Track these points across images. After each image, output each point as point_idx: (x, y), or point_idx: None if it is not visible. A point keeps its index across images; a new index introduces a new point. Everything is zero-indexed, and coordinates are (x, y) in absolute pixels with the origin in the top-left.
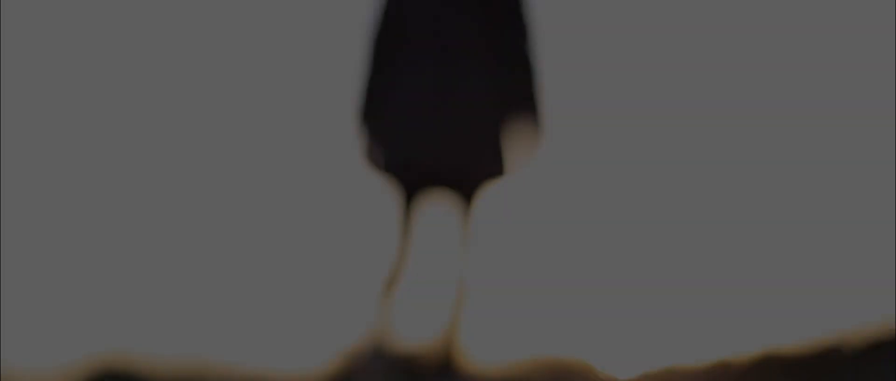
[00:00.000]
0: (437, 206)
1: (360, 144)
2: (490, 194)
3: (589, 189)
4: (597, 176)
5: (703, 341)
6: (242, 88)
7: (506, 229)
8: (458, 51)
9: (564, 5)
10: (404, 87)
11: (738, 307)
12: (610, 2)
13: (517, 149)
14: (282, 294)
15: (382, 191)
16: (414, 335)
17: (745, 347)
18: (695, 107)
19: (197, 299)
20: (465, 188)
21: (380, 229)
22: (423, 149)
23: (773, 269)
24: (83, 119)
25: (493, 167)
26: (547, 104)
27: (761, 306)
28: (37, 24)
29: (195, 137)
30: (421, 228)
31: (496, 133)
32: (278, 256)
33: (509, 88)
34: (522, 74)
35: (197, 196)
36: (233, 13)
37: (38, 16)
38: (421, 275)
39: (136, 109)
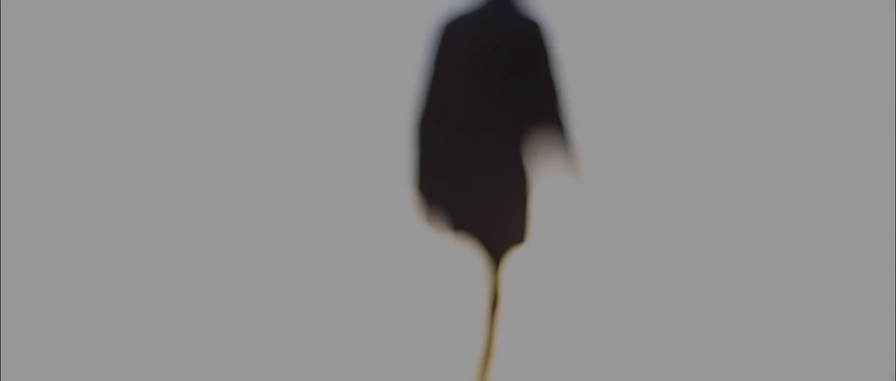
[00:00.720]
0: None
1: (419, 207)
2: (518, 257)
3: (617, 241)
4: (625, 229)
5: None
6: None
7: (539, 286)
8: (491, 123)
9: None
10: (442, 157)
11: (740, 373)
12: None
13: (549, 212)
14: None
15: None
16: None
17: None
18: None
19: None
20: (494, 252)
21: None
22: (458, 217)
23: (774, 335)
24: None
25: (518, 234)
26: (582, 167)
27: (761, 373)
28: (37, 24)
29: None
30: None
31: (524, 201)
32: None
33: (542, 155)
34: (555, 139)
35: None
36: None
37: (38, 16)
38: (453, 335)
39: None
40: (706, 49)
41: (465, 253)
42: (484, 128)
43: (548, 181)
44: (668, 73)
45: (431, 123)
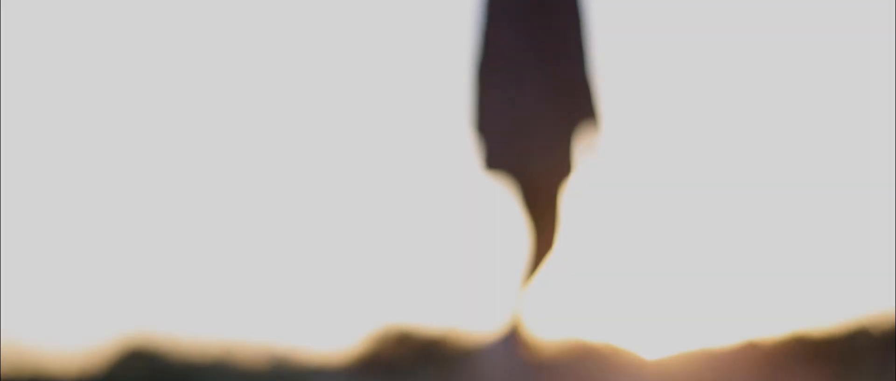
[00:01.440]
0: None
1: (474, 149)
2: (557, 190)
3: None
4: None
5: (732, 323)
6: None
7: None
8: (532, 70)
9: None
10: (493, 101)
11: (767, 290)
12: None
13: (584, 150)
14: (312, 275)
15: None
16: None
17: (773, 329)
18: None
19: (226, 278)
20: (538, 186)
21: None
22: (507, 155)
23: (800, 251)
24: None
25: (562, 167)
26: (607, 110)
27: (789, 288)
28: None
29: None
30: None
31: (565, 138)
32: (310, 239)
33: (574, 98)
34: (585, 85)
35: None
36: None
37: (40, 16)
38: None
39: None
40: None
41: (513, 192)
42: (527, 70)
43: (583, 126)
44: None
45: (485, 67)
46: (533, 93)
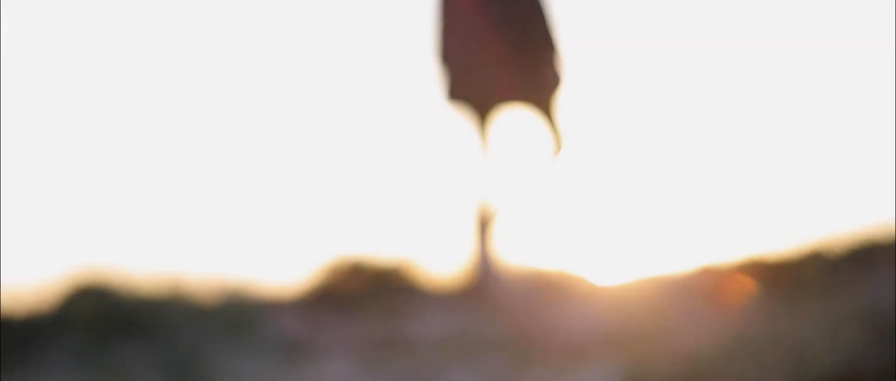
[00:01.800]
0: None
1: (438, 80)
2: (516, 118)
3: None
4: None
5: (687, 248)
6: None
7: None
8: (495, 4)
9: None
10: (456, 34)
11: (722, 214)
12: None
13: (546, 81)
14: (265, 207)
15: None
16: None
17: (728, 254)
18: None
19: (177, 212)
20: (499, 117)
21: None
22: (472, 85)
23: (756, 175)
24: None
25: (524, 98)
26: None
27: (744, 213)
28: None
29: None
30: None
31: (528, 69)
32: (268, 172)
33: (536, 30)
34: (544, 18)
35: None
36: None
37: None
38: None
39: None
40: None
41: (473, 123)
42: (489, 3)
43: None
44: None
45: (449, 1)
46: (495, 26)
